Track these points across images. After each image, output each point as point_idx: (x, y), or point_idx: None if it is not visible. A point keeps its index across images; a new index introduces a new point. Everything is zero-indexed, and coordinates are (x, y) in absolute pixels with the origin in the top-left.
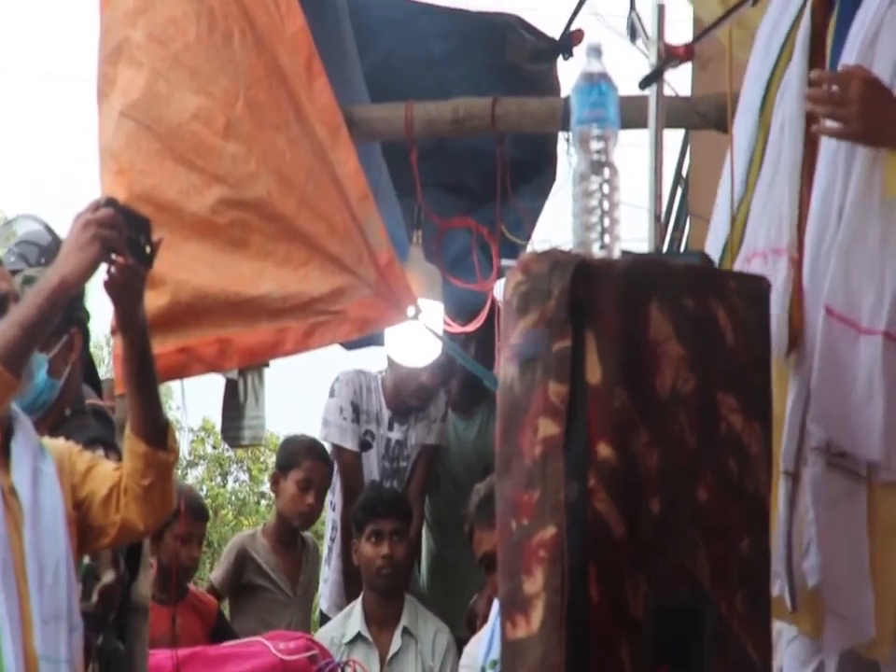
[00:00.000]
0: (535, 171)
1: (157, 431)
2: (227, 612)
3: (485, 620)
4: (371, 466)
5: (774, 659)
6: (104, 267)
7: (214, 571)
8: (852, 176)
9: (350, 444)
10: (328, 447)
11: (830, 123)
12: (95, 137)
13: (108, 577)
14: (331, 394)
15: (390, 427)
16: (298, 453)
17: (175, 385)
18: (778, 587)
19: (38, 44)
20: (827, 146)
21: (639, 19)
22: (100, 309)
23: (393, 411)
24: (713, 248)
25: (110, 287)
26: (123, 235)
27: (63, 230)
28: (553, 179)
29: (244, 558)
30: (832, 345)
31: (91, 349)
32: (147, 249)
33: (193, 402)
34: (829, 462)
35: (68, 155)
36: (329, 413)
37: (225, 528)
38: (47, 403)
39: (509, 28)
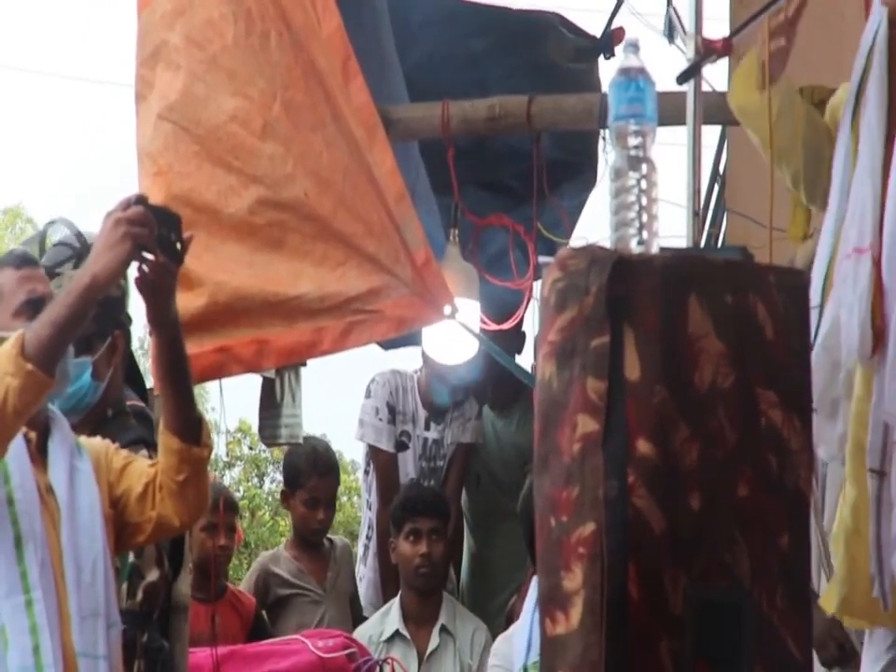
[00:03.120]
0: (576, 170)
1: (191, 427)
2: None
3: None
4: (408, 466)
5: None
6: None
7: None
8: None
9: (385, 445)
10: (362, 447)
11: None
12: (97, 139)
13: (153, 575)
14: (367, 394)
15: (426, 427)
16: (301, 471)
17: (211, 386)
18: (876, 589)
19: (51, 42)
20: None
21: (677, 15)
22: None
23: (429, 410)
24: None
25: (142, 284)
26: (154, 233)
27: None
28: (595, 179)
29: (266, 575)
30: None
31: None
32: (178, 246)
33: (229, 403)
34: None
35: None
36: (364, 413)
37: (262, 529)
38: (90, 405)
39: (549, 26)
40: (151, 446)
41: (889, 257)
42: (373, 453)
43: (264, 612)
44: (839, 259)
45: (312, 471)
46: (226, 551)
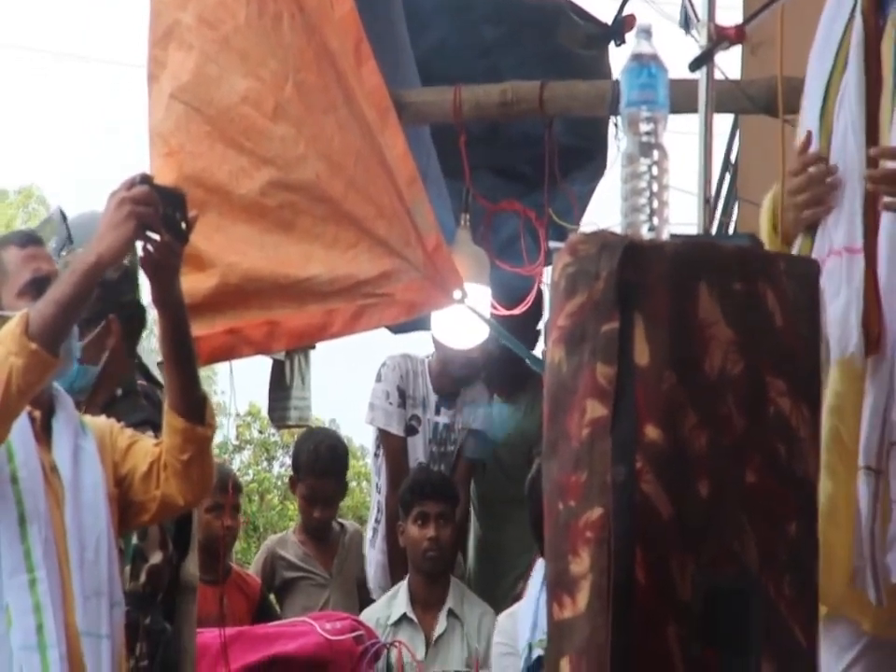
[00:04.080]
0: (587, 157)
1: (195, 406)
2: None
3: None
4: (418, 451)
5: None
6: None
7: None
8: None
9: (396, 429)
10: (372, 431)
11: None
12: (109, 119)
13: (156, 557)
14: (378, 378)
15: (437, 412)
16: (301, 467)
17: (220, 369)
18: (859, 580)
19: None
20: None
21: (691, 3)
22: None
23: (440, 395)
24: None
25: (146, 263)
26: (158, 212)
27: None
28: (605, 166)
29: (273, 559)
30: None
31: None
32: (183, 225)
33: (239, 387)
34: None
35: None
36: (375, 397)
37: (271, 513)
38: (84, 388)
39: (560, 13)
40: (158, 427)
41: (888, 258)
42: (383, 437)
43: (271, 595)
44: (816, 255)
45: (310, 471)
46: (231, 531)
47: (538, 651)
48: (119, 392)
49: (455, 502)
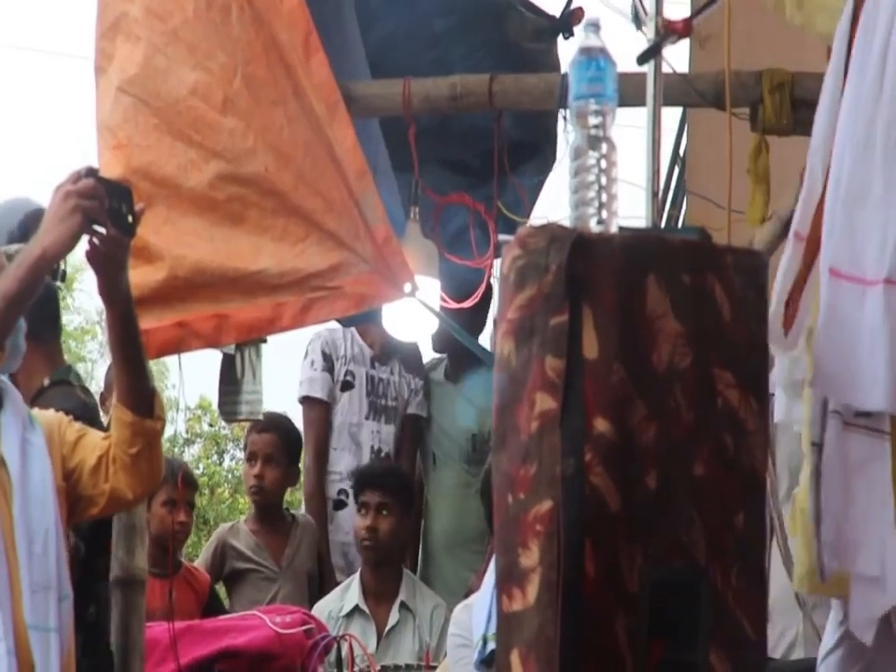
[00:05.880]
0: (534, 151)
1: (143, 400)
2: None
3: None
4: (355, 405)
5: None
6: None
7: (196, 561)
8: (855, 133)
9: (318, 393)
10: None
11: None
12: (56, 112)
13: None
14: (304, 356)
15: (373, 366)
16: (247, 433)
17: (171, 362)
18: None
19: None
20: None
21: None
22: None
23: (375, 351)
24: None
25: (92, 257)
26: (105, 205)
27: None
28: (553, 160)
29: (223, 547)
30: (838, 307)
31: (84, 324)
32: (130, 219)
33: (189, 380)
34: (850, 423)
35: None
36: (302, 373)
37: (221, 506)
38: None
39: (509, 6)
40: (78, 420)
41: (827, 228)
42: (306, 408)
43: (220, 583)
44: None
45: (252, 429)
46: (185, 527)
47: (491, 645)
48: (47, 382)
49: (400, 494)
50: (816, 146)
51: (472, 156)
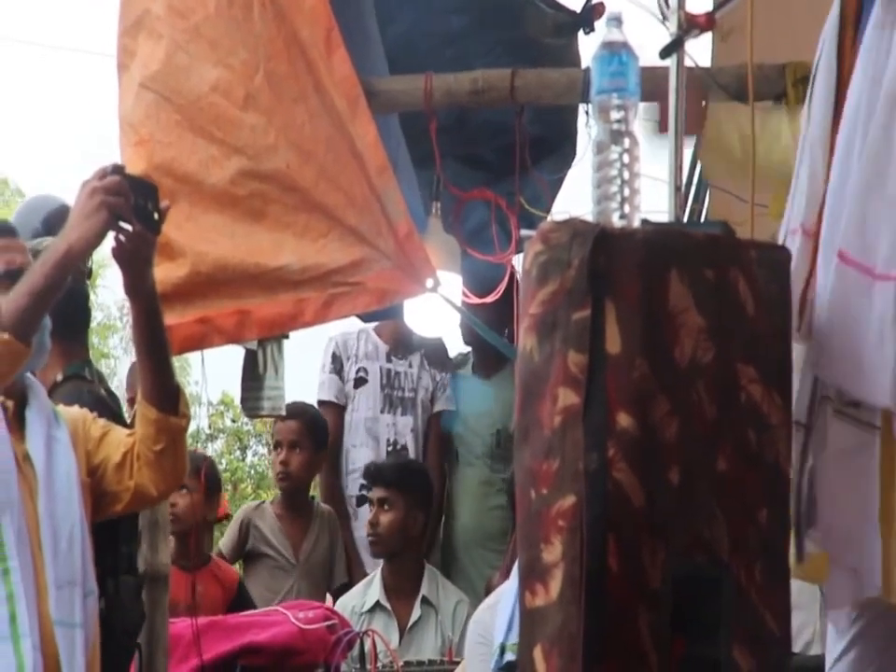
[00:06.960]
0: (555, 146)
1: (168, 397)
2: None
3: None
4: (370, 400)
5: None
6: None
7: (223, 538)
8: (871, 121)
9: (326, 395)
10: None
11: None
12: (82, 108)
13: None
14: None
15: (388, 360)
16: (273, 423)
17: (193, 358)
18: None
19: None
20: (849, 105)
21: None
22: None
23: (391, 345)
24: None
25: (118, 254)
26: (130, 202)
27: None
28: (574, 155)
29: (248, 526)
30: (844, 292)
31: (106, 320)
32: (155, 216)
33: (212, 376)
34: (840, 412)
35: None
36: (319, 379)
37: (244, 502)
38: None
39: (527, 2)
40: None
41: (830, 210)
42: (322, 412)
43: (240, 563)
44: (783, 234)
45: (277, 419)
46: (210, 525)
47: (509, 655)
48: (60, 377)
49: (403, 490)
50: (816, 135)
51: (490, 151)
